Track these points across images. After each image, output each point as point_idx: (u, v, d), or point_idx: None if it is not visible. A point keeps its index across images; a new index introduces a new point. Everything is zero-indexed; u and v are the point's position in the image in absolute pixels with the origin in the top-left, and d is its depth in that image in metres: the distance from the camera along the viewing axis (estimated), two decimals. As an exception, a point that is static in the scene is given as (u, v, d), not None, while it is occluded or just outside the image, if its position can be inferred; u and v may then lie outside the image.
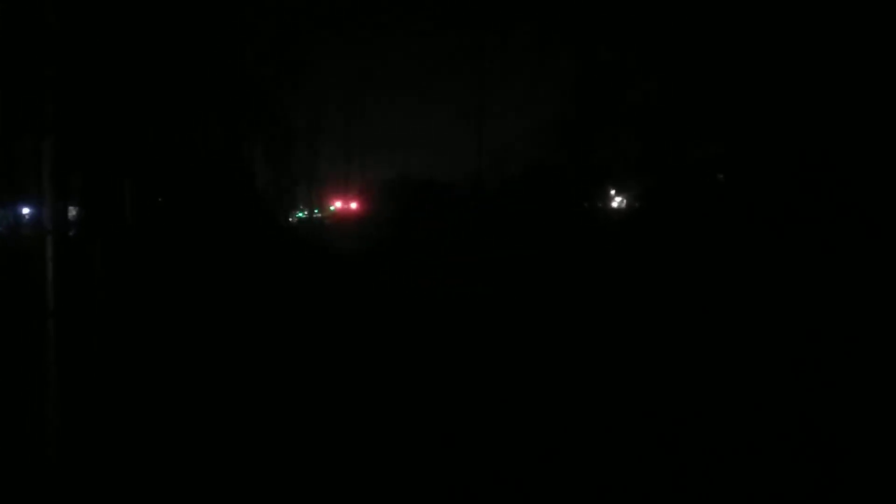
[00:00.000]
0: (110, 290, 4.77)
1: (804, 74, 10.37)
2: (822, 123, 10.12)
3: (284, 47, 20.68)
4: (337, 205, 32.14)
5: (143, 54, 6.26)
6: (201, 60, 8.90)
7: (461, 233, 16.17)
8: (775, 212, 10.18)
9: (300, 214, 33.95)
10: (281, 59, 20.47)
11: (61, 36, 4.22)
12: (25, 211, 5.01)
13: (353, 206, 31.57)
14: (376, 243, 17.08)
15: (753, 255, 9.50)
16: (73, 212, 4.63)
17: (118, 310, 4.91)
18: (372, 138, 32.60)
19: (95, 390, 4.49)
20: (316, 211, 33.68)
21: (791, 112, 10.64)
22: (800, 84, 10.46)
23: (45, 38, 4.14)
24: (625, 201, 17.95)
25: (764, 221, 10.22)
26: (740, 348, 6.63)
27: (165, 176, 6.87)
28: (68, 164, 4.37)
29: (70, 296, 4.19)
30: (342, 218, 31.79)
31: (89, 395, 4.38)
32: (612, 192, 18.37)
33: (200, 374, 5.77)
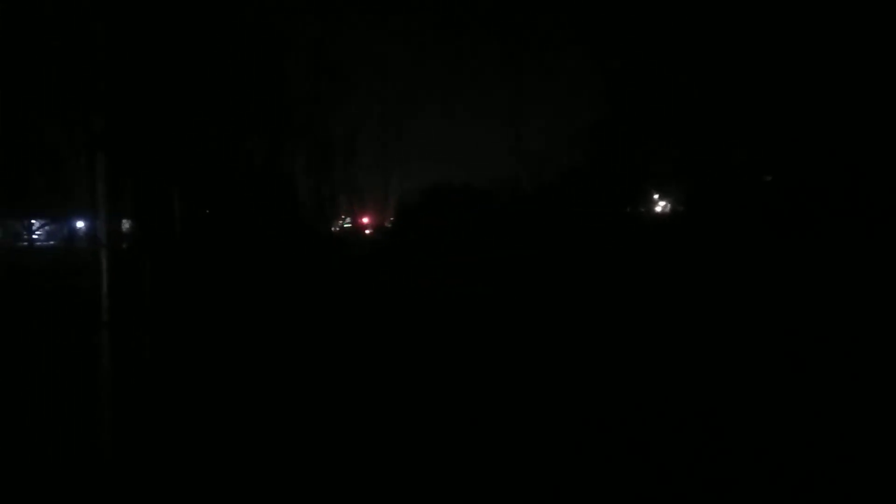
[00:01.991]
0: (162, 302, 4.85)
1: (856, 70, 10.04)
2: (877, 122, 9.77)
3: (324, 62, 20.95)
4: (349, 221, 33.60)
5: (189, 70, 6.38)
6: (244, 75, 9.04)
7: (494, 238, 16.03)
8: (828, 214, 9.80)
9: (347, 223, 34.75)
10: (320, 73, 20.74)
11: (112, 51, 4.30)
12: (79, 225, 5.11)
13: (366, 220, 33.20)
14: (407, 255, 16.96)
15: (806, 262, 9.15)
16: (125, 225, 4.72)
17: (169, 321, 4.99)
18: (410, 147, 33.02)
19: (146, 397, 4.58)
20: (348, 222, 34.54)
21: (843, 109, 10.29)
22: (851, 80, 10.12)
23: (97, 53, 4.23)
24: (668, 205, 17.53)
25: (816, 225, 9.84)
26: (796, 359, 6.40)
27: (211, 189, 6.98)
28: (120, 178, 4.45)
29: (123, 307, 4.26)
30: (364, 229, 33.15)
31: (140, 402, 4.46)
32: (655, 195, 17.97)
33: (243, 383, 5.83)
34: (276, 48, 12.12)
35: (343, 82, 22.05)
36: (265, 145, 11.27)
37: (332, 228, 29.57)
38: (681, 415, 5.00)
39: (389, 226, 29.91)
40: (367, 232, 35.22)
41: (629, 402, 5.32)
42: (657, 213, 17.86)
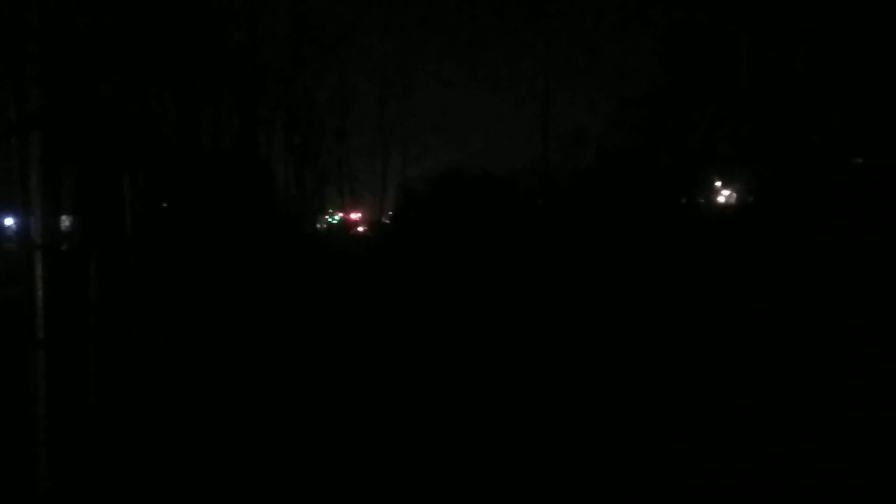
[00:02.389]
0: (110, 315, 4.75)
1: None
2: None
3: (309, 22, 20.78)
4: (337, 217, 34.64)
5: (142, 34, 6.26)
6: (209, 37, 8.92)
7: (520, 242, 15.78)
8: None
9: (335, 219, 34.72)
10: (305, 36, 20.58)
11: (48, 14, 4.17)
12: (8, 222, 4.99)
13: (354, 216, 34.47)
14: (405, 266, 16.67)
15: None
16: (65, 222, 4.59)
17: (119, 337, 4.88)
18: (417, 127, 32.35)
19: (91, 436, 4.48)
20: (336, 218, 34.61)
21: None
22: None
23: (30, 16, 4.11)
24: (734, 195, 17.05)
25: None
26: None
27: (170, 177, 6.85)
28: (59, 166, 4.34)
29: (63, 322, 4.15)
30: (355, 226, 34.04)
31: (84, 443, 4.36)
32: (718, 183, 17.47)
33: (204, 415, 5.74)
34: (247, 7, 12.04)
35: (330, 47, 21.79)
36: (235, 124, 11.17)
37: (317, 225, 29.30)
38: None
39: (388, 222, 29.62)
40: (360, 230, 35.38)
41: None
42: (720, 205, 17.53)
